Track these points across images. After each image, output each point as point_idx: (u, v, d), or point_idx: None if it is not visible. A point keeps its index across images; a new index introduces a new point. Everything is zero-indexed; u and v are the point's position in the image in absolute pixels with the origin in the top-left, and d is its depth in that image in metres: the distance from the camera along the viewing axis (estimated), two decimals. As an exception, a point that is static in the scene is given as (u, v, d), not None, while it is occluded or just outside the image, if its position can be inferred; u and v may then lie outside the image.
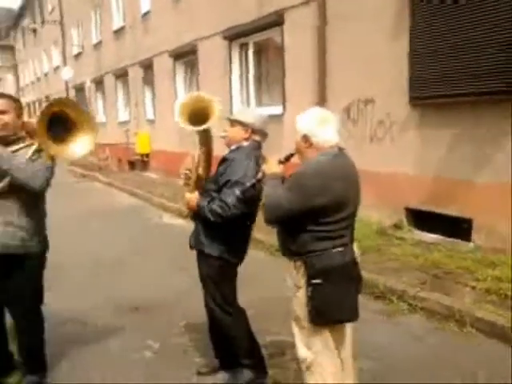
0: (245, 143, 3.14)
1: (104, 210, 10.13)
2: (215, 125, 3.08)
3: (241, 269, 3.30)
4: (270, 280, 4.89)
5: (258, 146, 3.16)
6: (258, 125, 3.14)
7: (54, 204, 10.63)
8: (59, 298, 4.78)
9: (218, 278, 3.20)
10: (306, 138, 2.59)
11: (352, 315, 2.63)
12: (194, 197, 3.17)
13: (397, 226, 6.87)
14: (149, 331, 4.19)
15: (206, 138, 3.21)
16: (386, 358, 3.66)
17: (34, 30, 32.11)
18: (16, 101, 3.17)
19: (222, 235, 3.12)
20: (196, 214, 3.20)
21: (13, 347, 3.47)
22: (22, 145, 3.13)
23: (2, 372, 3.31)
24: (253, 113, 3.29)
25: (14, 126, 3.10)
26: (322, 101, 8.14)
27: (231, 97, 10.82)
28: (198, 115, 3.06)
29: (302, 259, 2.59)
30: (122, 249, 6.90)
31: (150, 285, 5.35)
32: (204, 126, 3.04)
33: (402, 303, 4.61)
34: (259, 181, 2.78)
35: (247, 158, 3.02)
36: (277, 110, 9.33)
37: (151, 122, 14.79)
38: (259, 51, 10.41)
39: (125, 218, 9.34)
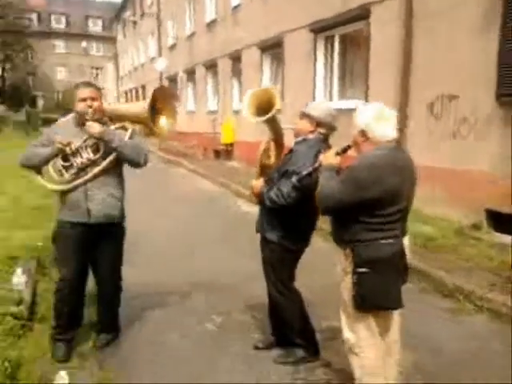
0: (310, 135, 3.26)
1: (185, 195, 10.62)
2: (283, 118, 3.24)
3: (303, 254, 3.44)
4: (330, 267, 4.97)
5: (323, 139, 3.26)
6: (324, 118, 3.23)
7: (141, 186, 11.38)
8: (136, 272, 5.20)
9: (277, 263, 3.37)
10: (363, 133, 2.68)
11: (395, 303, 2.71)
12: (258, 184, 3.35)
13: (476, 227, 6.65)
14: (214, 307, 4.46)
15: (273, 129, 3.36)
16: (443, 353, 3.66)
17: (134, 22, 33.79)
18: (99, 89, 3.54)
19: (281, 222, 3.28)
20: (259, 201, 3.38)
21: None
22: (113, 127, 3.49)
23: (72, 327, 3.65)
24: (320, 106, 3.36)
25: (101, 110, 3.45)
26: (405, 96, 8.02)
27: (314, 89, 10.88)
28: (265, 108, 3.22)
29: (350, 247, 2.69)
30: (198, 232, 7.25)
31: (221, 267, 5.61)
32: (264, 118, 3.18)
33: (468, 303, 4.53)
34: (315, 170, 2.89)
35: (309, 150, 3.14)
36: (359, 103, 9.27)
37: (237, 112, 15.17)
38: (345, 44, 10.37)
39: (204, 203, 9.73)
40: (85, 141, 3.39)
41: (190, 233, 7.27)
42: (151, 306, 4.46)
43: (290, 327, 3.44)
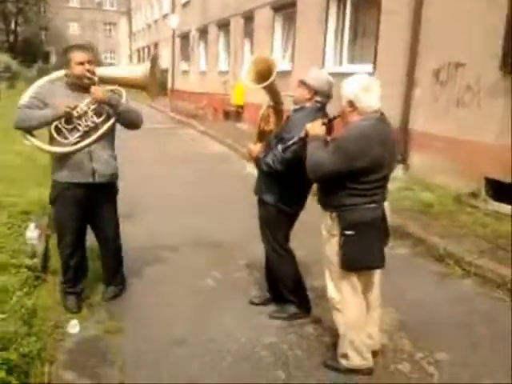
0: (307, 104, 3.41)
1: (193, 155, 10.85)
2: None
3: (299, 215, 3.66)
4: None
5: (320, 108, 3.40)
6: (321, 87, 3.36)
7: (149, 146, 11.61)
8: (141, 230, 5.58)
9: (273, 224, 3.59)
10: (351, 103, 2.83)
11: (379, 263, 2.94)
12: (255, 148, 3.53)
13: (474, 195, 6.79)
14: (215, 264, 4.74)
15: (272, 96, 3.51)
16: (426, 314, 3.90)
17: (148, -23, 33.30)
18: (93, 50, 3.68)
19: (277, 185, 3.47)
20: (257, 165, 3.56)
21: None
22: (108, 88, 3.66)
23: (81, 279, 3.94)
24: (318, 75, 3.48)
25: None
26: (412, 62, 8.02)
27: (324, 52, 10.83)
28: (264, 75, 3.37)
29: (336, 212, 2.89)
30: (203, 193, 7.49)
31: (223, 226, 5.86)
32: (262, 85, 3.33)
33: (457, 268, 4.74)
34: (302, 139, 3.04)
35: (305, 118, 3.28)
36: (367, 68, 9.29)
37: (247, 73, 15.14)
38: (357, 7, 10.27)
39: (211, 164, 9.95)
40: (87, 104, 3.53)
41: (195, 193, 7.52)
42: (155, 263, 4.75)
43: (284, 285, 3.69)
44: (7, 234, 4.65)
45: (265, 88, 3.44)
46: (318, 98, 3.40)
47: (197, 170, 9.36)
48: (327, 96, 3.43)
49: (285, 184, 3.42)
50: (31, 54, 45.71)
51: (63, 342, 3.35)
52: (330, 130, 3.16)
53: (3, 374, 2.63)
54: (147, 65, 3.86)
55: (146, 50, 35.73)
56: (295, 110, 3.45)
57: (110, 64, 50.50)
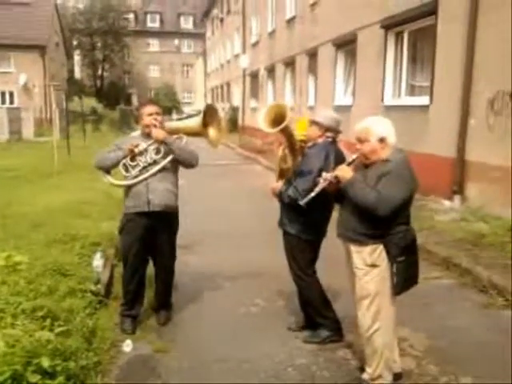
0: (319, 140, 3.75)
1: (254, 190, 11.26)
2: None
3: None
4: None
5: (331, 142, 3.74)
6: (330, 124, 3.74)
7: (215, 182, 12.27)
8: (199, 259, 6.05)
9: (297, 253, 3.92)
10: (383, 140, 3.14)
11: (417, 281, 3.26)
12: (276, 186, 3.89)
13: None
14: (260, 292, 5.08)
15: (287, 137, 3.84)
16: (458, 341, 4.01)
17: (221, 20, 35.02)
18: (160, 108, 4.31)
19: (299, 217, 3.79)
20: (279, 199, 3.91)
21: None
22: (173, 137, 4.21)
23: (138, 303, 4.40)
24: (326, 114, 3.88)
25: (162, 124, 4.21)
26: (466, 92, 8.07)
27: (383, 86, 11.05)
28: (278, 119, 3.70)
29: (385, 241, 3.13)
30: (259, 225, 7.86)
31: (271, 256, 6.15)
32: (276, 129, 3.64)
33: (500, 298, 4.76)
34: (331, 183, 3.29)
35: (320, 152, 3.66)
36: (424, 100, 9.40)
37: (312, 108, 15.57)
38: (414, 40, 10.44)
39: (265, 198, 10.30)
40: (149, 144, 4.14)
41: (251, 226, 7.93)
42: (205, 290, 5.16)
43: (313, 309, 3.98)
44: (77, 262, 5.22)
45: (280, 131, 3.77)
46: (328, 134, 3.75)
47: (255, 203, 9.77)
48: (336, 131, 3.81)
49: (305, 214, 3.68)
50: (115, 96, 49.04)
51: (117, 358, 3.80)
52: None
53: (62, 380, 3.08)
54: (199, 117, 4.34)
55: (219, 88, 37.33)
56: (309, 147, 3.80)
57: (188, 103, 53.11)
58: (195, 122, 4.33)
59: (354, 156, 3.27)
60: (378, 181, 3.06)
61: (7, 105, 33.54)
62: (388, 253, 3.15)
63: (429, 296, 4.97)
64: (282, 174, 3.97)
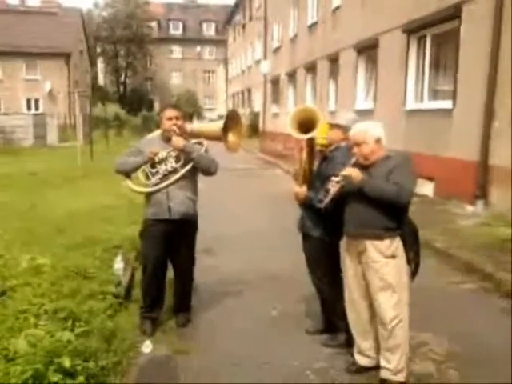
0: (342, 143, 3.73)
1: (275, 194, 11.27)
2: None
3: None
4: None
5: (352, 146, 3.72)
6: (351, 126, 3.68)
7: (235, 186, 12.30)
8: (220, 262, 6.10)
9: (321, 256, 3.90)
10: (379, 141, 3.31)
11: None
12: (302, 190, 3.85)
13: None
14: (279, 296, 5.07)
15: (310, 143, 3.84)
16: (480, 347, 3.94)
17: (243, 26, 35.23)
18: (181, 110, 4.31)
19: (322, 220, 3.77)
20: (303, 204, 3.89)
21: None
22: (192, 141, 4.23)
23: (157, 306, 4.43)
24: (348, 117, 3.86)
25: (182, 128, 4.19)
26: (490, 95, 7.97)
27: (406, 90, 10.97)
28: (305, 123, 3.70)
29: (400, 232, 3.31)
30: (279, 229, 7.84)
31: (290, 259, 6.15)
32: (307, 136, 3.66)
33: (523, 304, 4.67)
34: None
35: (342, 155, 3.63)
36: (447, 104, 9.30)
37: (332, 113, 15.52)
38: (437, 43, 10.35)
39: (286, 202, 10.30)
40: (169, 152, 4.15)
41: (271, 229, 7.93)
42: (226, 293, 5.17)
43: (335, 313, 3.93)
44: (99, 265, 5.30)
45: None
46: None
47: (275, 207, 9.78)
48: None
49: (329, 217, 3.67)
50: (137, 103, 49.66)
51: (137, 359, 3.83)
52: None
53: (82, 380, 3.13)
54: (221, 122, 4.37)
55: (240, 94, 37.49)
56: (332, 150, 3.77)
57: (209, 109, 53.46)
58: (217, 126, 4.36)
59: (354, 160, 3.35)
60: (389, 175, 3.21)
61: (33, 111, 34.29)
62: (404, 242, 3.34)
63: (451, 300, 4.92)
64: (305, 179, 3.95)
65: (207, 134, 4.43)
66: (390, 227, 3.28)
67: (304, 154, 3.90)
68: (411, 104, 10.84)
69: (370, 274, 3.33)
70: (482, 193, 8.00)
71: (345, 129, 3.71)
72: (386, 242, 3.28)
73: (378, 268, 3.29)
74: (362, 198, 3.26)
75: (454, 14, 9.06)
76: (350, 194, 3.34)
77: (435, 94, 10.35)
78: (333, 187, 3.37)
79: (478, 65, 8.32)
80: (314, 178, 3.85)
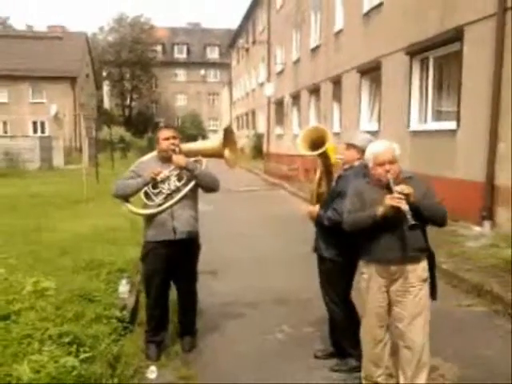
0: (356, 163, 3.72)
1: (279, 216, 11.28)
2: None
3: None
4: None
5: (366, 165, 3.69)
6: (366, 146, 3.67)
7: (240, 208, 12.26)
8: (225, 285, 6.01)
9: (333, 278, 3.85)
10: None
11: None
12: (314, 209, 3.84)
13: None
14: (286, 318, 5.00)
15: (324, 160, 3.85)
16: (490, 371, 3.87)
17: (247, 49, 35.63)
18: (177, 131, 4.29)
19: (336, 241, 3.73)
20: (316, 223, 3.87)
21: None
22: (191, 159, 4.21)
23: (162, 329, 4.38)
24: (363, 137, 3.86)
25: (179, 147, 4.17)
26: (495, 115, 7.97)
27: (409, 110, 11.00)
28: (316, 142, 3.72)
29: (426, 253, 3.31)
30: (284, 251, 7.82)
31: (297, 282, 6.11)
32: (316, 152, 3.68)
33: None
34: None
35: (354, 175, 3.61)
36: (451, 125, 9.31)
37: (336, 134, 15.56)
38: (440, 64, 10.41)
39: (295, 224, 10.28)
40: (170, 171, 4.12)
41: (275, 252, 7.89)
42: (231, 316, 5.11)
43: (346, 338, 3.87)
44: (104, 289, 5.24)
45: (319, 155, 3.78)
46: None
47: (281, 229, 9.75)
48: None
49: (342, 238, 3.64)
50: (143, 125, 50.00)
51: (142, 385, 3.76)
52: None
53: (86, 407, 3.07)
54: (220, 137, 4.38)
55: (244, 116, 37.73)
56: (346, 169, 3.77)
57: (214, 130, 53.73)
58: (214, 143, 4.35)
59: (391, 177, 3.17)
60: (425, 195, 3.17)
61: (39, 134, 34.57)
62: (430, 262, 3.33)
63: (460, 324, 4.84)
64: (318, 198, 3.94)
65: (205, 151, 4.39)
66: (424, 248, 3.28)
67: (318, 173, 3.91)
68: (415, 125, 10.86)
69: (406, 301, 3.24)
70: (488, 214, 7.95)
71: (360, 149, 3.70)
72: (423, 263, 3.27)
73: (415, 293, 3.23)
74: (400, 221, 3.09)
75: (456, 36, 9.12)
76: (386, 218, 3.13)
77: (439, 116, 10.37)
78: (402, 204, 3.03)
79: (481, 85, 8.34)
80: (328, 197, 3.84)
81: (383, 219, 3.11)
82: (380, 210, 3.11)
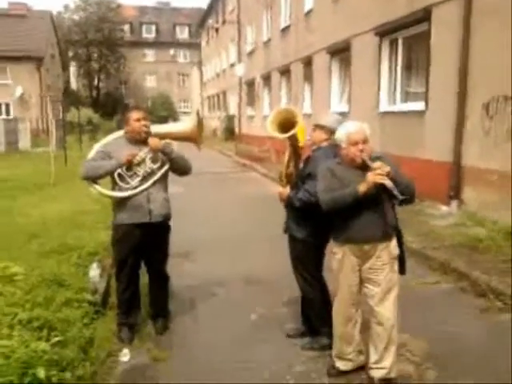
0: (324, 143, 3.74)
1: (251, 197, 11.32)
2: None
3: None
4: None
5: (335, 145, 3.72)
6: (335, 128, 3.69)
7: (211, 190, 12.22)
8: (198, 266, 6.02)
9: (304, 257, 3.89)
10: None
11: None
12: (284, 190, 3.86)
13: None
14: (259, 300, 5.04)
15: (293, 142, 3.85)
16: (458, 346, 3.98)
17: (217, 29, 35.17)
18: (146, 111, 4.23)
19: (306, 221, 3.77)
20: (287, 204, 3.89)
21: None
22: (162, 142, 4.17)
23: (134, 312, 4.37)
24: (332, 118, 3.86)
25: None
26: (462, 97, 8.10)
27: (379, 91, 11.08)
28: (286, 124, 3.72)
29: (396, 231, 3.36)
30: (255, 232, 7.87)
31: (269, 263, 6.16)
32: (287, 134, 3.68)
33: (498, 302, 4.75)
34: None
35: (324, 156, 3.64)
36: (419, 105, 9.44)
37: (307, 116, 15.59)
38: (408, 45, 10.49)
39: (267, 205, 10.32)
40: (145, 153, 4.07)
41: (247, 233, 7.94)
42: (204, 297, 5.13)
43: (316, 315, 3.94)
44: (74, 273, 5.20)
45: (288, 137, 3.78)
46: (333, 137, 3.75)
47: (252, 210, 9.80)
48: None
49: (314, 218, 3.68)
50: (111, 106, 49.04)
51: (115, 368, 3.76)
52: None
53: (58, 391, 3.06)
54: (193, 120, 4.32)
55: (215, 97, 37.42)
56: (314, 150, 3.80)
57: (185, 112, 53.12)
58: (187, 126, 4.30)
59: (366, 156, 3.20)
60: (397, 173, 3.18)
61: (3, 116, 33.61)
62: (399, 238, 3.39)
63: (427, 301, 4.97)
64: (288, 180, 3.95)
65: (176, 134, 4.32)
66: (394, 225, 3.34)
67: (287, 155, 3.92)
68: (384, 106, 10.96)
69: (378, 278, 3.31)
70: (455, 193, 8.13)
71: (328, 130, 3.72)
72: (394, 241, 3.34)
73: (388, 270, 3.31)
74: (376, 198, 3.16)
75: (424, 16, 9.19)
76: (365, 196, 3.14)
77: (408, 97, 10.48)
78: (386, 180, 3.05)
79: (449, 66, 8.44)
80: (297, 178, 3.86)
81: (363, 197, 3.13)
82: (362, 188, 3.11)
